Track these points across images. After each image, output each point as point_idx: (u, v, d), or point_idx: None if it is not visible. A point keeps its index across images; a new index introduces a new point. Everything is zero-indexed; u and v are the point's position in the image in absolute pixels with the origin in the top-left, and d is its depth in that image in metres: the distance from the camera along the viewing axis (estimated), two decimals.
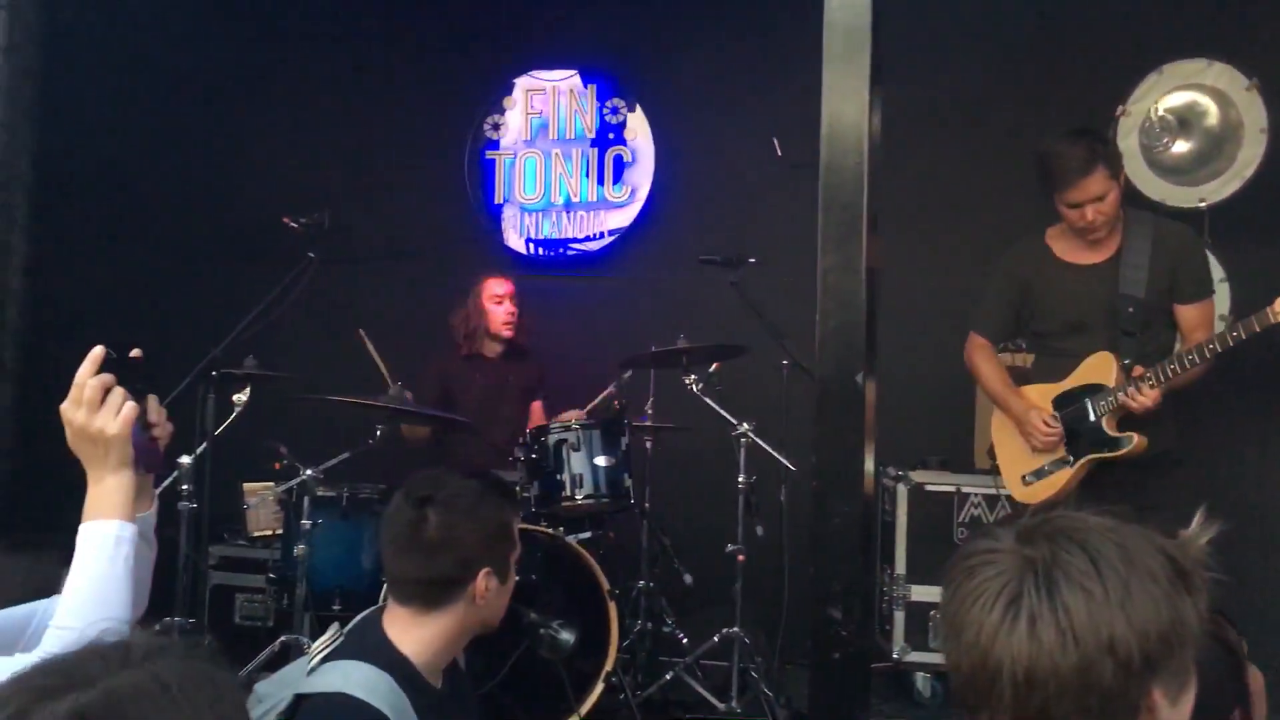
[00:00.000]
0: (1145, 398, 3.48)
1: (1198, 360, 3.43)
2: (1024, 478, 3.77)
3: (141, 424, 1.73)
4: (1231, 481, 4.80)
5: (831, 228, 2.52)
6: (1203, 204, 4.86)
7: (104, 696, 0.95)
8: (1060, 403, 3.70)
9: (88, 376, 1.67)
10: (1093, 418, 3.61)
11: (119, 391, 1.68)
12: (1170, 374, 3.47)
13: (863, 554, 2.56)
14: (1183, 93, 4.96)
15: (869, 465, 2.57)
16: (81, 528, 1.68)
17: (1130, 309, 3.60)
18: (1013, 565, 1.19)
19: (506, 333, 5.14)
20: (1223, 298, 4.59)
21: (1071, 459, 3.67)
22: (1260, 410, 4.86)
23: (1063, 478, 3.68)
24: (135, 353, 1.76)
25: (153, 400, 1.77)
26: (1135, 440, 3.56)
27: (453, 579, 2.21)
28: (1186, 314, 3.65)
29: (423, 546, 2.22)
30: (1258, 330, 3.35)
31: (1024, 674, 1.14)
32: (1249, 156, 4.81)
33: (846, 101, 2.51)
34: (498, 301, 5.13)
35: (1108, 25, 5.13)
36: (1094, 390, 3.62)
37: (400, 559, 2.25)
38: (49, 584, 2.32)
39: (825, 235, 2.53)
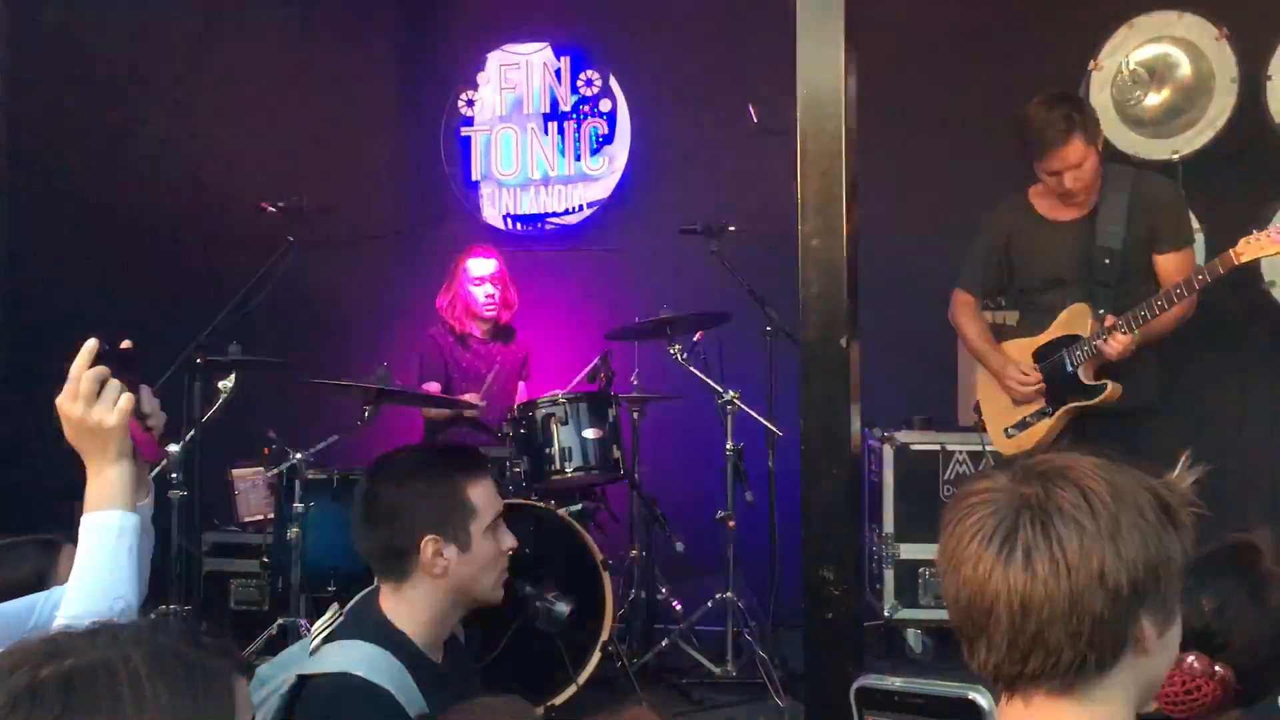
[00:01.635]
0: (1117, 343, 3.52)
1: (1166, 305, 3.47)
2: (1006, 430, 3.83)
3: (136, 414, 1.73)
4: (1212, 430, 4.87)
5: (811, 194, 2.53)
6: (1175, 156, 4.88)
7: (66, 671, 0.95)
8: (1040, 355, 3.76)
9: (83, 369, 1.66)
10: (1070, 368, 3.67)
11: (115, 383, 1.67)
12: (1141, 320, 3.50)
13: (852, 514, 2.60)
14: (1154, 45, 4.96)
15: (855, 427, 2.60)
16: (84, 519, 1.68)
17: (1106, 260, 3.64)
18: (1009, 502, 1.25)
19: (488, 314, 5.06)
20: (1197, 249, 4.62)
21: (1050, 410, 3.73)
22: (1237, 360, 4.93)
23: (1043, 428, 3.73)
24: (126, 344, 1.76)
25: (146, 390, 1.77)
26: (1110, 387, 3.61)
27: (403, 549, 2.19)
28: (1165, 263, 3.68)
29: (369, 519, 2.25)
30: (1222, 273, 3.40)
31: (1019, 603, 1.21)
32: (1220, 107, 4.82)
33: (822, 67, 2.51)
34: (477, 283, 5.04)
35: None
36: (1070, 341, 3.68)
37: (356, 533, 2.30)
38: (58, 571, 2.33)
39: (805, 201, 2.54)
